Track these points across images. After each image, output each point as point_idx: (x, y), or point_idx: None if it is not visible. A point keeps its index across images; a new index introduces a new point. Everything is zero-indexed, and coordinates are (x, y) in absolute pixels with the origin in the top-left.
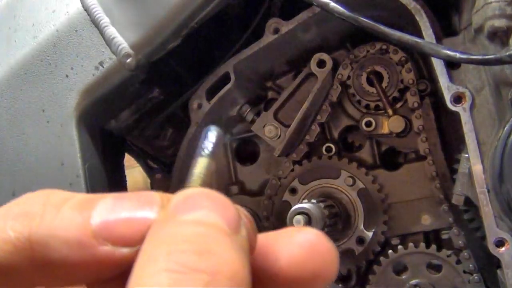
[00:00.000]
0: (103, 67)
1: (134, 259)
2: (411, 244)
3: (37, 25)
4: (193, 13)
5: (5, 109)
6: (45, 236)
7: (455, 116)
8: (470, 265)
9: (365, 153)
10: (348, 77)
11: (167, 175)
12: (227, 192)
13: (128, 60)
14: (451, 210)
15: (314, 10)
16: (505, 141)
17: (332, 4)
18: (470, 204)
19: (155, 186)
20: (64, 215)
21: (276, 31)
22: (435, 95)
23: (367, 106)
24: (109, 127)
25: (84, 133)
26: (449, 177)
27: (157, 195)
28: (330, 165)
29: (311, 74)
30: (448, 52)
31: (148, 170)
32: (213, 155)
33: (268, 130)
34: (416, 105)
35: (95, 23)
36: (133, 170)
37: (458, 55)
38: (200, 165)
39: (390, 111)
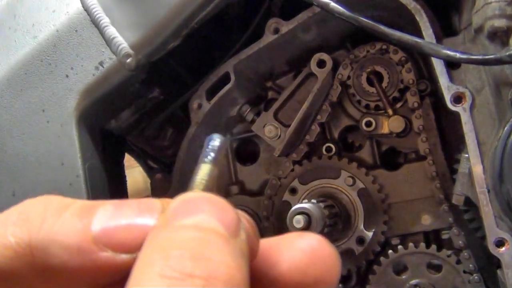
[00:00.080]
0: (103, 67)
1: (133, 264)
2: (411, 244)
3: (37, 25)
4: (193, 13)
5: (5, 109)
6: (46, 242)
7: (455, 116)
8: (470, 265)
9: (365, 153)
10: (348, 77)
11: (167, 175)
12: (227, 192)
13: (128, 60)
14: (451, 210)
15: (314, 10)
16: (505, 141)
17: (332, 4)
18: (470, 204)
19: (155, 186)
20: (65, 221)
21: (276, 31)
22: (435, 95)
23: (367, 106)
24: (109, 127)
25: (84, 133)
26: (449, 177)
27: (157, 202)
28: (330, 165)
29: (311, 74)
30: (448, 52)
31: (148, 170)
32: (215, 161)
33: (268, 130)
34: (416, 105)
35: (95, 23)
36: (133, 170)
37: (458, 55)
38: (203, 172)
39: (390, 111)
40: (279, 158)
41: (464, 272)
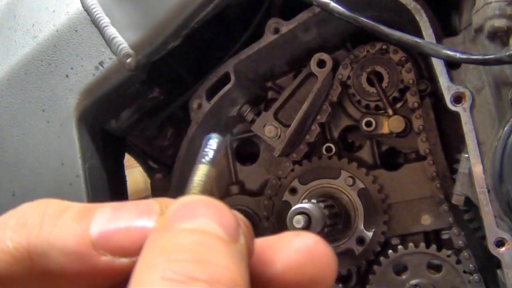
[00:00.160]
0: (103, 67)
1: (133, 268)
2: (411, 244)
3: (37, 25)
4: (193, 13)
5: (5, 109)
6: (44, 247)
7: (455, 116)
8: (470, 265)
9: (365, 153)
10: (348, 77)
11: (167, 175)
12: (227, 192)
13: (128, 60)
14: (451, 210)
15: (314, 10)
16: (505, 141)
17: (332, 4)
18: (470, 204)
19: (155, 186)
20: (63, 226)
21: (276, 31)
22: (435, 95)
23: (367, 106)
24: (109, 127)
25: (84, 133)
26: (449, 177)
27: (155, 204)
28: (330, 165)
29: (311, 74)
30: (448, 52)
31: (148, 170)
32: (213, 162)
33: (268, 130)
34: (416, 105)
35: (95, 23)
36: (133, 170)
37: (458, 55)
38: (201, 172)
39: (390, 111)
40: (279, 158)
41: (464, 272)
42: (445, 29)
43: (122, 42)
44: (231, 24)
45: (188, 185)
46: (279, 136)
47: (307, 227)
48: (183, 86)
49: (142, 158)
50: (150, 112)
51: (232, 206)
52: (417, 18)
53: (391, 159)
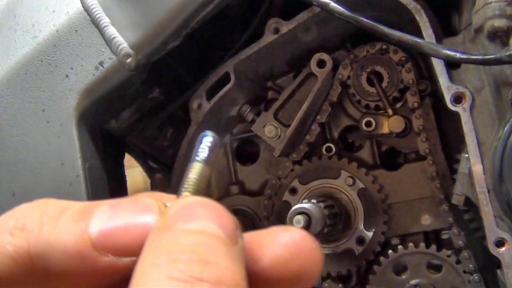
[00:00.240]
0: (103, 67)
1: (134, 267)
2: (411, 244)
3: (37, 25)
4: (194, 13)
5: (5, 109)
6: (44, 249)
7: (455, 116)
8: (470, 265)
9: (365, 153)
10: (348, 77)
11: (167, 175)
12: (227, 192)
13: (128, 60)
14: (451, 210)
15: (314, 10)
16: (505, 141)
17: (332, 4)
18: (470, 204)
19: (155, 186)
20: (62, 227)
21: (276, 31)
22: (435, 95)
23: (367, 106)
24: (109, 127)
25: (84, 133)
26: (449, 177)
27: (153, 202)
28: (330, 165)
29: (311, 74)
30: (448, 52)
31: (148, 170)
32: (208, 160)
33: (268, 130)
34: (416, 105)
35: (95, 23)
36: (133, 170)
37: (458, 55)
38: (195, 171)
39: (390, 111)
40: (279, 158)
41: (464, 272)
42: (445, 29)
43: (122, 42)
44: (231, 24)
45: (182, 183)
46: (279, 136)
47: (307, 227)
48: (183, 86)
49: (142, 158)
50: (150, 112)
51: (232, 206)
52: (417, 18)
53: (391, 159)
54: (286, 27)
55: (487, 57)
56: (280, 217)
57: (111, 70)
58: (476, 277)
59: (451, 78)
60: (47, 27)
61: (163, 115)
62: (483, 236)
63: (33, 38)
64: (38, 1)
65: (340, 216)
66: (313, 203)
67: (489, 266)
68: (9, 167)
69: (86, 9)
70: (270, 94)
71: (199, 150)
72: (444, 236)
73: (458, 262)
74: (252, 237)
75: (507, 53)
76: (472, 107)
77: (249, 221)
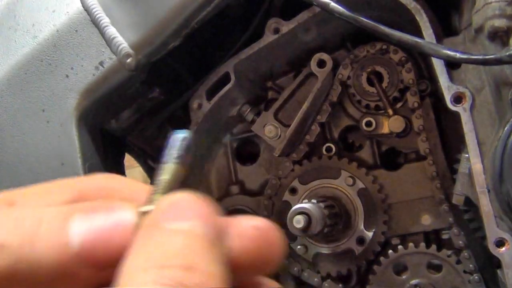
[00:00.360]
0: (103, 67)
1: (121, 267)
2: (411, 244)
3: (37, 25)
4: (194, 13)
5: (5, 109)
6: (27, 267)
7: (455, 116)
8: (470, 265)
9: (365, 153)
10: (348, 77)
11: None
12: (227, 192)
13: (128, 60)
14: (451, 210)
15: (314, 10)
16: (505, 141)
17: (332, 4)
18: (470, 204)
19: None
20: (42, 244)
21: (276, 31)
22: (436, 95)
23: (367, 106)
24: (109, 127)
25: (84, 133)
26: (449, 177)
27: (129, 206)
28: (330, 165)
29: (311, 74)
30: (448, 52)
31: (148, 170)
32: (180, 159)
33: (268, 130)
34: (416, 105)
35: (95, 23)
36: (133, 170)
37: (458, 55)
38: (167, 172)
39: (390, 111)
40: (279, 158)
41: (464, 272)
42: (445, 29)
43: (122, 42)
44: (231, 24)
45: (154, 185)
46: (279, 136)
47: (307, 227)
48: (183, 86)
49: (142, 158)
50: (150, 112)
51: (232, 206)
52: (417, 18)
53: (391, 159)
54: (286, 27)
55: (487, 57)
56: (280, 217)
57: (111, 70)
58: (476, 277)
59: (451, 78)
60: (47, 27)
61: (163, 115)
62: (483, 236)
63: (33, 38)
64: (38, 1)
65: (340, 216)
66: (313, 203)
67: (489, 266)
68: (9, 167)
69: (86, 9)
70: (270, 94)
71: (169, 150)
72: (444, 236)
73: (458, 262)
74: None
75: (507, 53)
76: (472, 107)
77: None
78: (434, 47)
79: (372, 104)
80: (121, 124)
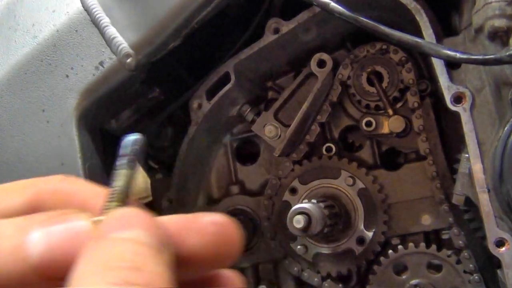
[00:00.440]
0: (103, 67)
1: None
2: (411, 244)
3: (37, 25)
4: (194, 13)
5: (5, 109)
6: None
7: (455, 116)
8: (470, 265)
9: (365, 153)
10: (349, 77)
11: (167, 175)
12: (227, 192)
13: (128, 60)
14: (451, 210)
15: (314, 10)
16: (505, 141)
17: (332, 4)
18: (470, 204)
19: (155, 186)
20: (2, 259)
21: (276, 31)
22: (436, 95)
23: (367, 106)
24: (109, 127)
25: (84, 133)
26: (449, 177)
27: (84, 216)
28: (330, 165)
29: (311, 74)
30: (448, 52)
31: (148, 170)
32: (130, 163)
33: (268, 130)
34: (416, 105)
35: (95, 23)
36: None
37: (458, 55)
38: (121, 178)
39: (390, 111)
40: (279, 158)
41: (464, 272)
42: (445, 29)
43: (122, 42)
44: (231, 24)
45: (109, 192)
46: (279, 136)
47: (307, 227)
48: (183, 86)
49: (142, 158)
50: (150, 112)
51: (232, 206)
52: (417, 18)
53: (391, 159)
54: (286, 27)
55: (487, 57)
56: (280, 217)
57: (111, 70)
58: (476, 277)
59: (451, 78)
60: (47, 27)
61: (163, 115)
62: (483, 236)
63: (33, 38)
64: (38, 1)
65: (340, 216)
66: (313, 203)
67: (489, 266)
68: (9, 167)
69: (86, 9)
70: (270, 94)
71: (120, 155)
72: (444, 236)
73: (458, 262)
74: (180, 223)
75: (507, 53)
76: (472, 107)
77: (249, 221)
78: (434, 47)
79: (372, 104)
80: (121, 124)
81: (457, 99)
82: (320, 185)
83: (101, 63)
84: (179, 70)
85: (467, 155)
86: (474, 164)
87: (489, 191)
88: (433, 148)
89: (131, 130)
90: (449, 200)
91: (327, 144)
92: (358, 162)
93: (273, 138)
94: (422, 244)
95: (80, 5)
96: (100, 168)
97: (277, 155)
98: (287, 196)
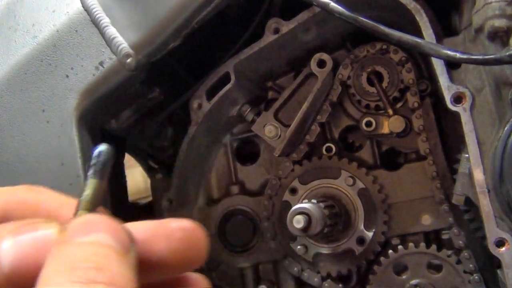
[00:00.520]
0: (103, 67)
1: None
2: (411, 244)
3: (37, 25)
4: (194, 13)
5: (5, 109)
6: None
7: (455, 116)
8: (471, 265)
9: (365, 153)
10: (349, 77)
11: (167, 175)
12: (227, 192)
13: (128, 60)
14: (451, 210)
15: (314, 10)
16: (505, 141)
17: (332, 4)
18: (471, 204)
19: (155, 186)
20: None
21: (276, 31)
22: (436, 95)
23: (367, 106)
24: (109, 127)
25: (84, 133)
26: (449, 177)
27: (51, 224)
28: (330, 165)
29: (311, 74)
30: (448, 52)
31: (148, 170)
32: (100, 173)
33: (268, 130)
34: (416, 105)
35: (95, 23)
36: (133, 170)
37: (458, 55)
38: (89, 187)
39: (390, 111)
40: (279, 158)
41: (464, 272)
42: (445, 29)
43: (122, 42)
44: (231, 24)
45: (79, 200)
46: (279, 136)
47: (307, 227)
48: (183, 86)
49: (142, 158)
50: (150, 112)
51: (232, 206)
52: (417, 18)
53: (391, 159)
54: (286, 27)
55: (487, 57)
56: (280, 217)
57: (111, 70)
58: (476, 277)
59: (451, 78)
60: (47, 27)
61: (163, 115)
62: (483, 236)
63: (33, 38)
64: (38, 1)
65: (340, 216)
66: (313, 203)
67: (489, 266)
68: (9, 167)
69: (86, 9)
70: (270, 94)
71: (92, 165)
72: (445, 236)
73: (458, 262)
74: (148, 229)
75: (507, 53)
76: (472, 107)
77: (249, 221)
78: (434, 47)
79: (372, 104)
80: (121, 124)
81: (457, 99)
82: (320, 185)
83: (101, 63)
84: (179, 70)
85: (467, 155)
86: (474, 164)
87: (489, 191)
88: (433, 148)
89: (131, 130)
90: (449, 200)
91: (327, 144)
92: (358, 162)
93: (273, 138)
94: (422, 244)
95: (80, 5)
96: None
97: (277, 155)
98: (287, 196)
